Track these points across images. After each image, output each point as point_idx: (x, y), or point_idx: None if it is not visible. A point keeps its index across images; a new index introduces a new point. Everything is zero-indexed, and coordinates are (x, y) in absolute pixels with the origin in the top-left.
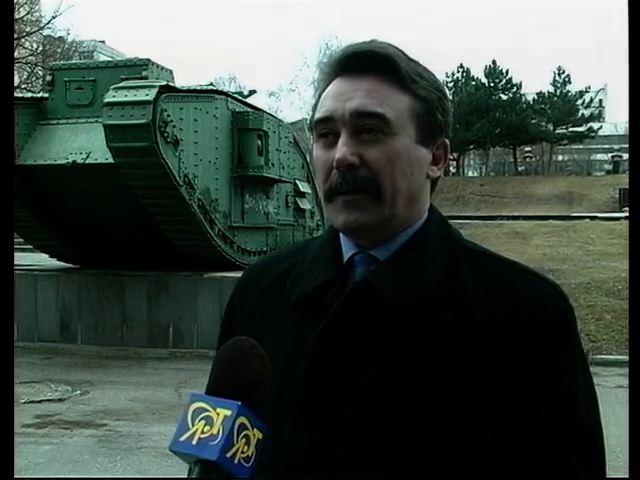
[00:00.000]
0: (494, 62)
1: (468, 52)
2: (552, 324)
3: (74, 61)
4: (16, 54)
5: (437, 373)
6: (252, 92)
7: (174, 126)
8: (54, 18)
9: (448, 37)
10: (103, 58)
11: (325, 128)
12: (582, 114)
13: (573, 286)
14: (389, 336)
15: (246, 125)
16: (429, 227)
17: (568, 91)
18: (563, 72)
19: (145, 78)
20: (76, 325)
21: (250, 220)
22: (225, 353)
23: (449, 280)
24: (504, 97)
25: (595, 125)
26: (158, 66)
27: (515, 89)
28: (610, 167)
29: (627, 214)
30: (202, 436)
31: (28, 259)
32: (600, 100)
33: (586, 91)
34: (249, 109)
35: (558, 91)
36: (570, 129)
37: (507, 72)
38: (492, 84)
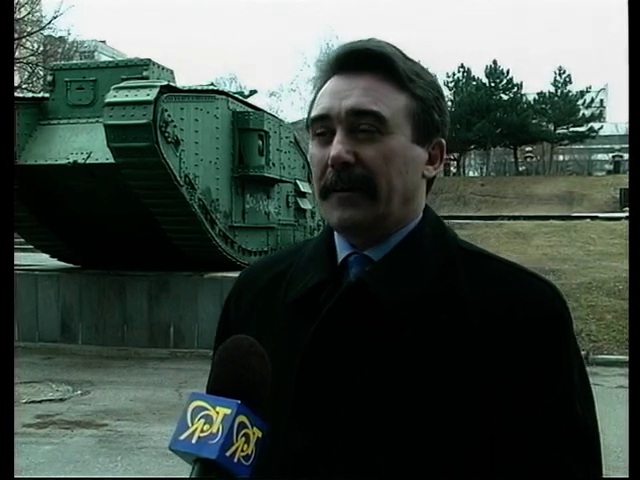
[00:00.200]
0: (495, 62)
1: (469, 52)
2: (548, 324)
3: (75, 61)
4: (17, 54)
5: (432, 373)
6: (253, 92)
7: (175, 126)
8: (55, 18)
9: (449, 37)
10: (104, 58)
11: (321, 126)
12: (583, 114)
13: (574, 286)
14: (384, 336)
15: (247, 125)
16: (424, 227)
17: (569, 91)
18: (564, 72)
19: (146, 78)
20: (77, 325)
21: (251, 220)
22: (224, 352)
23: (444, 280)
24: (505, 97)
25: (596, 125)
26: (159, 66)
27: (516, 89)
28: (611, 167)
29: (628, 214)
30: (202, 435)
31: (29, 259)
32: (601, 100)
33: (587, 91)
34: (250, 109)
35: (559, 91)
36: (571, 129)
37: (508, 72)
38: (493, 84)
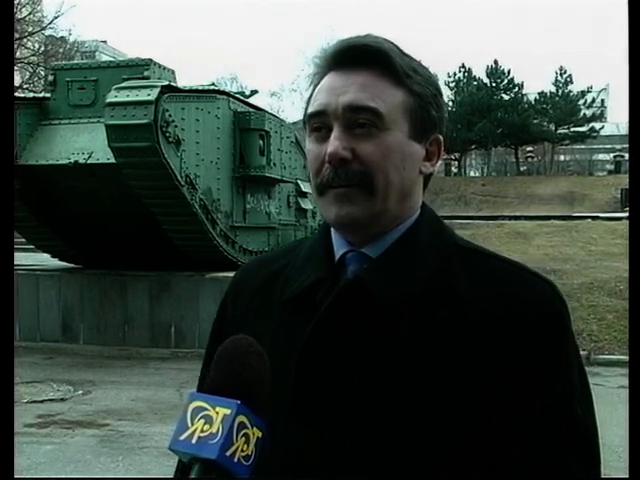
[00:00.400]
0: (496, 62)
1: (470, 52)
2: (548, 323)
3: (76, 61)
4: (18, 54)
5: (430, 370)
6: (254, 92)
7: (176, 126)
8: (56, 18)
9: (450, 37)
10: (105, 58)
11: (318, 122)
12: (584, 114)
13: (575, 286)
14: (381, 333)
15: (248, 125)
16: (421, 224)
17: (570, 91)
18: (565, 72)
19: (147, 78)
20: (78, 325)
21: (252, 220)
22: (223, 351)
23: (442, 277)
24: (506, 97)
25: (597, 125)
26: (160, 66)
27: (517, 89)
28: (612, 167)
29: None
30: (201, 435)
31: (30, 259)
32: (602, 100)
33: (588, 91)
34: (251, 109)
35: (560, 91)
36: (572, 129)
37: (509, 72)
38: (494, 84)
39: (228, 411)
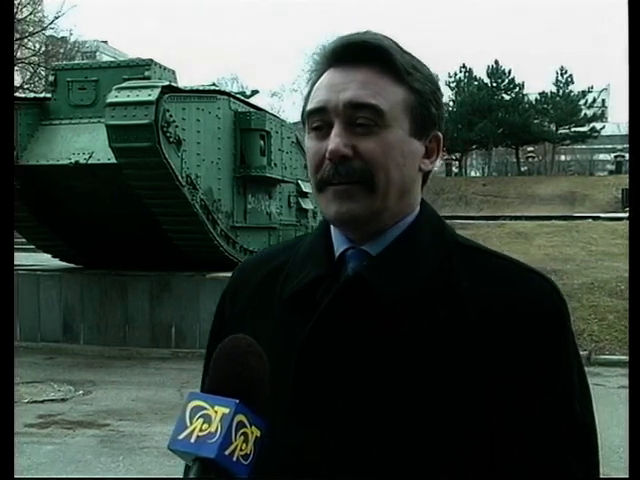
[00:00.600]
0: (497, 62)
1: (471, 52)
2: (548, 322)
3: (77, 61)
4: (19, 54)
5: (430, 368)
6: (254, 92)
7: (177, 126)
8: (57, 18)
9: (450, 37)
10: (106, 58)
11: (318, 119)
12: (585, 114)
13: (576, 286)
14: (381, 331)
15: (248, 125)
16: (421, 222)
17: (571, 91)
18: (566, 72)
19: (148, 78)
20: (79, 325)
21: (252, 220)
22: (222, 351)
23: (442, 275)
24: (507, 97)
25: (598, 125)
26: (161, 66)
27: (518, 89)
28: (613, 167)
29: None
30: (200, 434)
31: (30, 259)
32: (603, 100)
33: (589, 91)
34: (251, 109)
35: (561, 91)
36: (573, 129)
37: (510, 72)
38: (495, 84)
39: (227, 410)
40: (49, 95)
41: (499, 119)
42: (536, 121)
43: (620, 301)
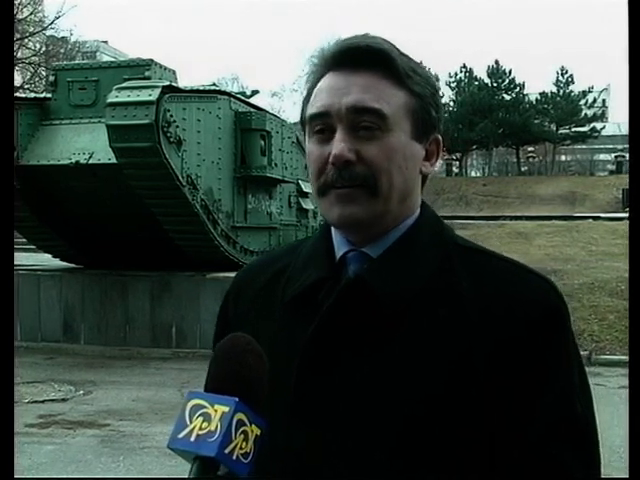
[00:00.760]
0: (497, 62)
1: (471, 52)
2: (547, 322)
3: (77, 61)
4: (19, 54)
5: (430, 368)
6: (255, 92)
7: (177, 126)
8: (57, 18)
9: (451, 37)
10: (106, 58)
11: (320, 123)
12: (585, 114)
13: (576, 286)
14: (382, 332)
15: (249, 125)
16: (421, 224)
17: (571, 91)
18: (566, 72)
19: (148, 78)
20: (79, 325)
21: (253, 220)
22: (221, 350)
23: (442, 276)
24: (507, 97)
25: (598, 125)
26: (161, 66)
27: (518, 89)
28: (613, 167)
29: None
30: (200, 433)
31: (31, 259)
32: (603, 100)
33: (589, 91)
34: (252, 109)
35: (561, 91)
36: (573, 129)
37: (510, 72)
38: (495, 84)
39: (226, 409)
40: (49, 95)
41: (499, 119)
42: (536, 121)
43: (620, 301)
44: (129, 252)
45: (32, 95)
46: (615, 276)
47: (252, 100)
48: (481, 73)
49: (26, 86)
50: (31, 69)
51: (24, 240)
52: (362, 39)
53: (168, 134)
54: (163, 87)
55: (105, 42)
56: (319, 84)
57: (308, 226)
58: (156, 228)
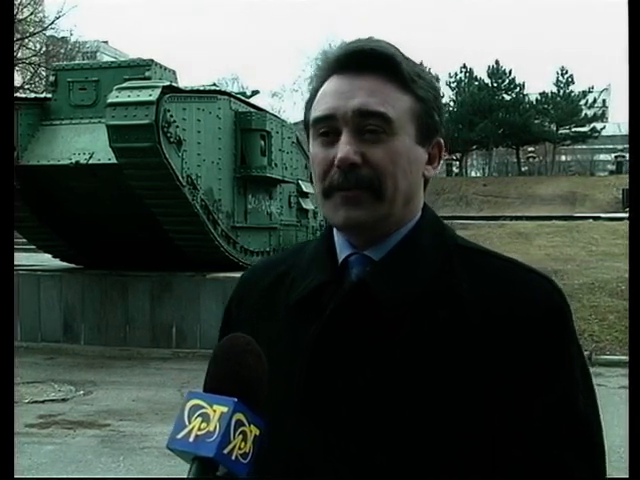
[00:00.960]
0: (497, 62)
1: (471, 52)
2: (549, 323)
3: (77, 61)
4: (19, 55)
5: (431, 371)
6: (255, 92)
7: (177, 126)
8: (57, 19)
9: (451, 37)
10: (106, 58)
11: (325, 126)
12: (585, 114)
13: (576, 286)
14: (384, 335)
15: (249, 125)
16: (423, 226)
17: (571, 91)
18: (566, 72)
19: (148, 78)
20: (79, 325)
21: (253, 220)
22: (220, 350)
23: (443, 278)
24: (507, 97)
25: (598, 125)
26: (161, 66)
27: (518, 89)
28: (613, 167)
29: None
30: (199, 433)
31: (31, 259)
32: (603, 100)
33: (589, 91)
34: (252, 109)
35: (561, 91)
36: (573, 129)
37: (510, 72)
38: (495, 84)
39: (225, 409)
40: (50, 95)
41: (500, 119)
42: (537, 121)
43: (621, 301)
44: (129, 252)
45: (32, 95)
46: (615, 276)
47: (252, 100)
48: (481, 73)
49: (26, 86)
50: (31, 69)
51: (24, 240)
52: (367, 43)
53: (168, 134)
54: (163, 87)
55: (105, 42)
56: (323, 87)
57: (308, 226)
58: (156, 228)
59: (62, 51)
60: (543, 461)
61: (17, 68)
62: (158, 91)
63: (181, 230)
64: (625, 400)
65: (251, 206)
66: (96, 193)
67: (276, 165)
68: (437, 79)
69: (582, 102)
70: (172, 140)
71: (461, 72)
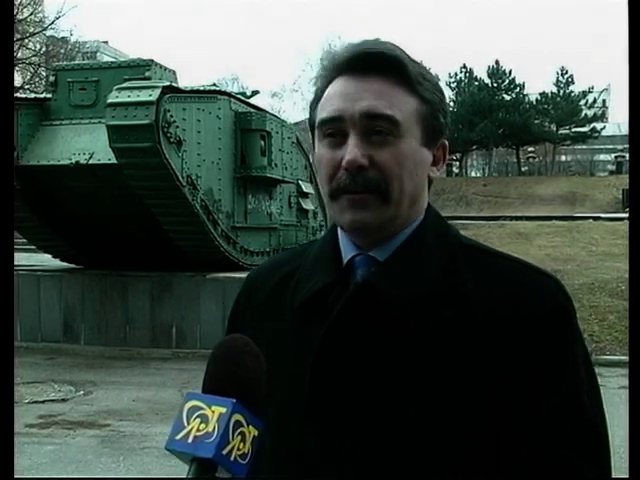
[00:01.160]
0: (497, 62)
1: (471, 52)
2: (554, 322)
3: (77, 62)
4: (19, 55)
5: (436, 370)
6: (255, 92)
7: (177, 126)
8: (57, 19)
9: (451, 37)
10: (106, 59)
11: (332, 128)
12: (585, 114)
13: (576, 287)
14: (389, 335)
15: (249, 125)
16: (427, 226)
17: (571, 91)
18: (566, 72)
19: (148, 79)
20: (79, 325)
21: (253, 221)
22: (218, 351)
23: (447, 277)
24: (507, 97)
25: (598, 125)
26: (161, 67)
27: (518, 89)
28: (613, 167)
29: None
30: (197, 434)
31: (31, 259)
32: (603, 100)
33: (589, 91)
34: (252, 109)
35: (561, 91)
36: (573, 129)
37: (510, 72)
38: (495, 84)
39: (224, 410)
40: (50, 95)
41: (500, 119)
42: (537, 121)
43: (621, 301)
44: (129, 252)
45: (32, 95)
46: (615, 276)
47: (252, 100)
48: (481, 73)
49: (26, 86)
50: (31, 69)
51: (24, 240)
52: (373, 45)
53: (168, 134)
54: (163, 87)
55: (105, 42)
56: (329, 88)
57: (308, 226)
58: (156, 228)
59: (62, 51)
60: (548, 461)
61: (17, 68)
62: (158, 91)
63: (181, 230)
64: (625, 400)
65: (251, 206)
66: (96, 193)
67: (276, 165)
68: (437, 79)
69: (582, 102)
70: (172, 140)
71: (461, 72)
